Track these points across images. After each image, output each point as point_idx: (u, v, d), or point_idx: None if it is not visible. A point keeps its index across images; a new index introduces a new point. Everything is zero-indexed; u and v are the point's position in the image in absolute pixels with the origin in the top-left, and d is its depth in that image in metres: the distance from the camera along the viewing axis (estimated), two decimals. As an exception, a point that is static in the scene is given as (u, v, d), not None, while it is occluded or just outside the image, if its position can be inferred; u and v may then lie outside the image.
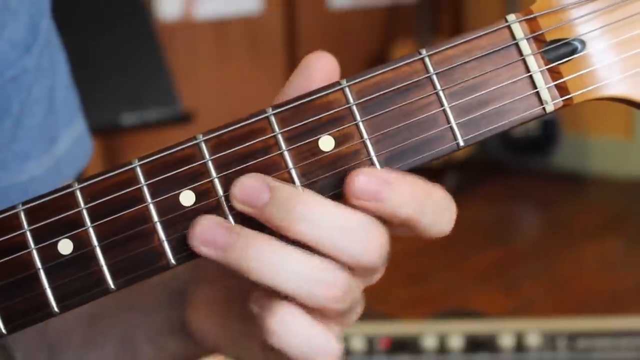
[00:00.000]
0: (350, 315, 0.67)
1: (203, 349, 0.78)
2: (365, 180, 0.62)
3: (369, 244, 0.62)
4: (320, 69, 0.65)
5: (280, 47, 4.60)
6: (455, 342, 1.75)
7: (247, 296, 0.66)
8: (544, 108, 0.64)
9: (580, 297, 3.54)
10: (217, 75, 4.38)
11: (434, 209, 0.63)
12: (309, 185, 0.64)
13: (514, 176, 4.83)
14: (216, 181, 0.64)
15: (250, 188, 0.62)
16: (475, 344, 1.75)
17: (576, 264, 3.86)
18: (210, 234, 0.63)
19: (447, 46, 0.64)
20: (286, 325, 0.62)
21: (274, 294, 0.63)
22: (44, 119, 0.92)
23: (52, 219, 0.64)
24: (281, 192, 0.62)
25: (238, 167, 0.64)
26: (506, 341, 1.74)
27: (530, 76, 0.63)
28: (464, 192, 4.49)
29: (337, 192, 0.64)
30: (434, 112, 0.64)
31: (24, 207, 0.65)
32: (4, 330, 0.65)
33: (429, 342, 1.75)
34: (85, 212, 0.64)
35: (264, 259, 0.62)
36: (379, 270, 0.66)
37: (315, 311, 0.63)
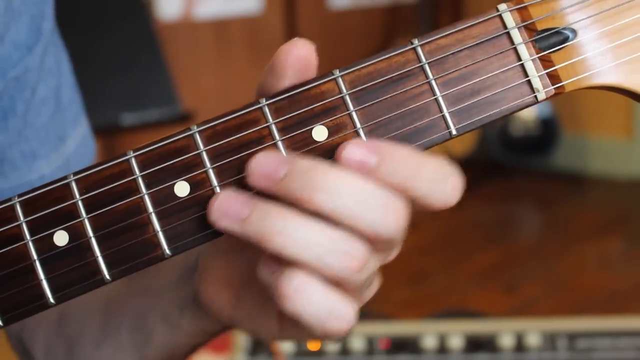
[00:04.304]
0: (365, 291, 0.67)
1: (218, 323, 0.77)
2: (353, 149, 0.62)
3: (387, 214, 0.62)
4: (291, 64, 0.65)
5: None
6: (455, 342, 1.75)
7: None
8: (535, 96, 0.64)
9: (580, 297, 3.54)
10: (217, 75, 4.38)
11: (430, 176, 0.63)
12: None
13: (514, 176, 4.83)
14: (211, 172, 0.64)
15: (267, 163, 0.62)
16: (475, 344, 1.75)
17: (576, 264, 3.86)
18: (227, 206, 0.63)
19: (439, 36, 0.64)
20: (301, 291, 0.62)
21: (283, 261, 0.62)
22: (51, 119, 0.92)
23: (48, 211, 0.65)
24: (299, 164, 0.62)
25: (232, 158, 0.64)
26: (506, 341, 1.74)
27: (522, 65, 0.64)
28: (464, 192, 4.46)
29: None
30: (426, 101, 0.64)
31: (19, 199, 0.65)
32: (0, 322, 0.66)
33: (429, 342, 1.75)
34: (80, 204, 0.65)
35: (282, 230, 0.61)
36: (397, 246, 0.66)
37: (331, 281, 0.63)
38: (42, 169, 0.92)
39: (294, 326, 0.69)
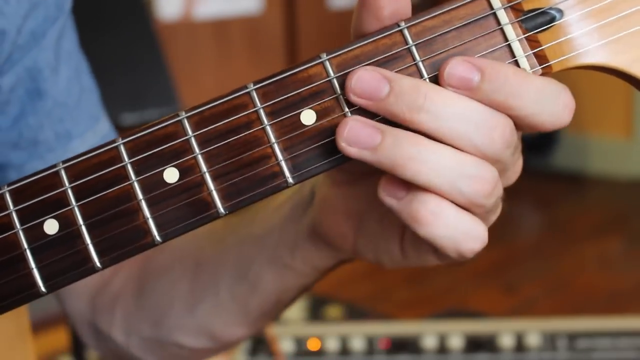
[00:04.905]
0: (492, 215, 0.67)
1: (335, 257, 0.77)
2: (455, 66, 0.62)
3: (491, 132, 0.61)
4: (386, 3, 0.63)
5: (280, 47, 4.60)
6: (455, 342, 1.75)
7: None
8: None
9: (580, 297, 3.53)
10: (217, 75, 4.38)
11: (536, 94, 0.62)
12: (291, 159, 0.64)
13: (514, 176, 4.83)
14: (199, 157, 0.64)
15: (368, 81, 0.62)
16: (475, 344, 1.74)
17: (576, 264, 3.85)
18: (358, 133, 0.62)
19: (426, 17, 0.64)
20: (438, 214, 0.62)
21: (410, 185, 0.62)
22: (80, 98, 0.94)
23: (38, 199, 0.65)
24: (400, 84, 0.62)
25: (221, 143, 0.64)
26: (506, 341, 1.73)
27: (509, 45, 0.64)
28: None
29: (328, 159, 0.64)
30: None
31: (9, 188, 0.65)
32: (-10, 312, 0.66)
33: (429, 342, 1.75)
34: (70, 192, 0.65)
35: (416, 156, 0.61)
36: (510, 165, 0.66)
37: (463, 204, 0.63)
38: (77, 148, 0.92)
39: (416, 251, 0.71)
